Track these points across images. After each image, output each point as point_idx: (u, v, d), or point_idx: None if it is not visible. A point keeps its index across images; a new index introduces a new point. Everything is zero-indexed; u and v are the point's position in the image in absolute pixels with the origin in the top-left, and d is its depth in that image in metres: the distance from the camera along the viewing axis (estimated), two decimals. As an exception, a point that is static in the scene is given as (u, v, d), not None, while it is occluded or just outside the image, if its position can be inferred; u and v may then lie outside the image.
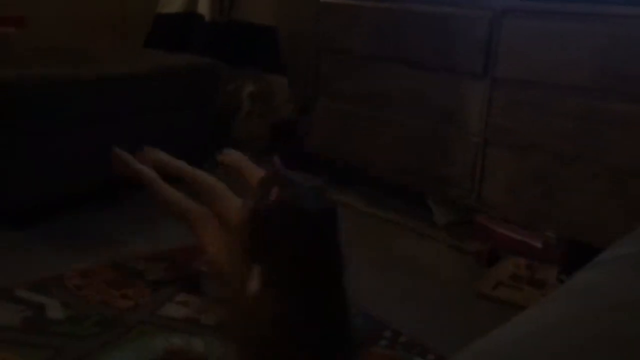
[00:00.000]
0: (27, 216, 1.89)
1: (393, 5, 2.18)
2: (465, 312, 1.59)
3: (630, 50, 1.60)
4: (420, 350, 1.36)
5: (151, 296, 1.52)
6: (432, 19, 2.06)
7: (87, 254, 1.73)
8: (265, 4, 2.91)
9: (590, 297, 0.72)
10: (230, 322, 1.05)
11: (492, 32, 1.86)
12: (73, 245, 1.82)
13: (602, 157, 1.67)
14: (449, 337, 1.42)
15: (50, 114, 1.88)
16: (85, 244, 1.83)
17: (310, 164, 2.59)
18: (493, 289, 1.69)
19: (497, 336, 0.66)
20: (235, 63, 2.77)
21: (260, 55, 2.87)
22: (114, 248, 1.79)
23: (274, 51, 2.90)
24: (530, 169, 1.81)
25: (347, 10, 2.35)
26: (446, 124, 2.04)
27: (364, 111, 2.32)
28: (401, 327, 1.46)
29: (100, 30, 3.05)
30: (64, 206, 1.97)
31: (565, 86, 1.72)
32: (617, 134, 1.63)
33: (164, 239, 1.80)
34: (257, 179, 1.40)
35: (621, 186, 1.64)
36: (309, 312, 1.02)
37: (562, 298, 0.75)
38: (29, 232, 1.84)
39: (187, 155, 2.60)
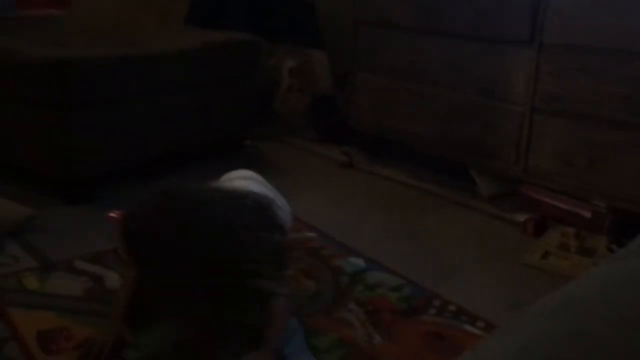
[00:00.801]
0: (84, 191, 1.96)
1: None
2: (514, 281, 1.58)
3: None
4: (469, 318, 1.37)
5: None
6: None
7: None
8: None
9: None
10: None
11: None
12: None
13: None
14: (497, 306, 1.42)
15: (101, 93, 1.93)
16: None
17: (351, 137, 2.59)
18: (541, 258, 1.68)
19: (550, 299, 0.66)
20: (274, 38, 2.77)
21: (300, 29, 2.87)
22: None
23: (313, 25, 2.89)
24: (580, 136, 1.77)
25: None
26: (489, 93, 2.01)
27: (405, 83, 2.30)
28: (450, 296, 1.47)
29: (141, 8, 3.09)
30: (119, 181, 2.03)
31: (619, 51, 1.67)
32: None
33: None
34: None
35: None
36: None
37: (623, 260, 0.75)
38: (85, 207, 1.91)
39: (228, 131, 2.64)
